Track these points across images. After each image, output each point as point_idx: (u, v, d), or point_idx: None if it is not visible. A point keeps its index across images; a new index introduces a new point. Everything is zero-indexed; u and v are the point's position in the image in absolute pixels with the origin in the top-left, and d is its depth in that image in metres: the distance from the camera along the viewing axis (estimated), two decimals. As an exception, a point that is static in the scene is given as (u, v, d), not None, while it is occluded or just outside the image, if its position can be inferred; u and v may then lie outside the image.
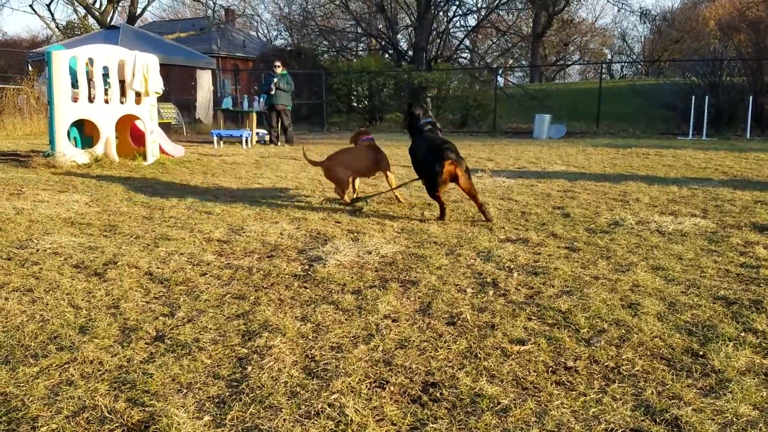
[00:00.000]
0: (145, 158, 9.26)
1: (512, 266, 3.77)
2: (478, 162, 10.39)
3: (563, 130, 18.36)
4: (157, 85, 9.38)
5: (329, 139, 17.30)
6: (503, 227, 4.92)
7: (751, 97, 16.39)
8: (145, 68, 9.14)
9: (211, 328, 2.82)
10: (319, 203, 6.10)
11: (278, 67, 14.23)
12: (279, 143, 14.41)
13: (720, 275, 3.60)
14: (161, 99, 24.60)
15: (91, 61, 8.87)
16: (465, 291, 3.33)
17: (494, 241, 4.44)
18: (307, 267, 3.79)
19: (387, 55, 30.11)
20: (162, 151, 10.22)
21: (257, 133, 14.78)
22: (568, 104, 23.96)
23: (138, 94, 9.22)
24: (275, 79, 13.97)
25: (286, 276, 3.61)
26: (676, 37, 38.00)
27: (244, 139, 13.60)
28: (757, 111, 16.40)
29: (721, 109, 17.60)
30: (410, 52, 29.32)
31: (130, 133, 9.89)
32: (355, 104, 24.74)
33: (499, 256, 3.98)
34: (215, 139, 13.67)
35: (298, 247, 4.28)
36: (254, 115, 14.94)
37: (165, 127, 19.85)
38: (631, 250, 4.17)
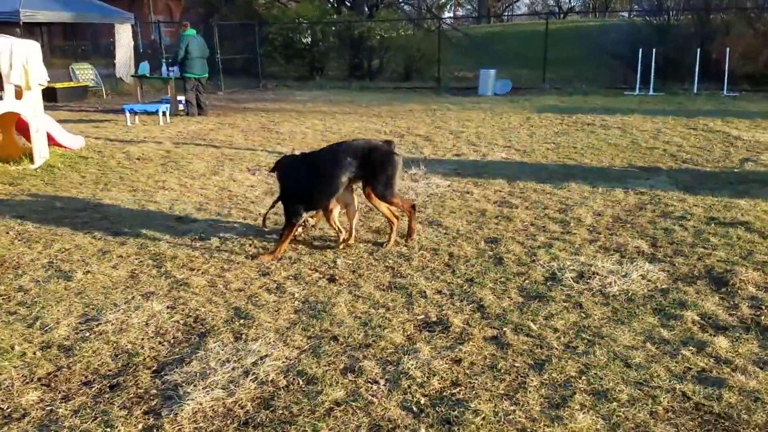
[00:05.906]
0: (32, 160, 8.10)
1: (422, 402, 2.91)
2: (415, 144, 9.53)
3: (509, 85, 17.60)
4: (41, 76, 8.09)
5: (262, 102, 16.03)
6: (424, 291, 4.14)
7: (698, 50, 15.81)
8: (25, 58, 7.83)
9: None
10: (220, 242, 5.18)
11: (185, 26, 13.10)
12: (200, 114, 13.28)
13: (677, 402, 2.93)
14: (79, 58, 22.60)
15: (-44, 50, 7.53)
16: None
17: (410, 327, 3.63)
18: (151, 422, 2.77)
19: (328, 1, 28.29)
20: (57, 144, 9.03)
21: (179, 101, 13.49)
22: (514, 49, 23.15)
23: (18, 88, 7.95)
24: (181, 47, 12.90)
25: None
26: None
27: (161, 114, 12.30)
28: (704, 60, 15.86)
29: (668, 59, 17.05)
30: (350, -3, 27.56)
31: (16, 127, 8.63)
32: (292, 57, 23.27)
33: (409, 374, 3.10)
34: (128, 115, 12.25)
35: (159, 359, 3.30)
36: (173, 82, 13.61)
37: (82, 90, 18.27)
38: (568, 342, 3.43)
